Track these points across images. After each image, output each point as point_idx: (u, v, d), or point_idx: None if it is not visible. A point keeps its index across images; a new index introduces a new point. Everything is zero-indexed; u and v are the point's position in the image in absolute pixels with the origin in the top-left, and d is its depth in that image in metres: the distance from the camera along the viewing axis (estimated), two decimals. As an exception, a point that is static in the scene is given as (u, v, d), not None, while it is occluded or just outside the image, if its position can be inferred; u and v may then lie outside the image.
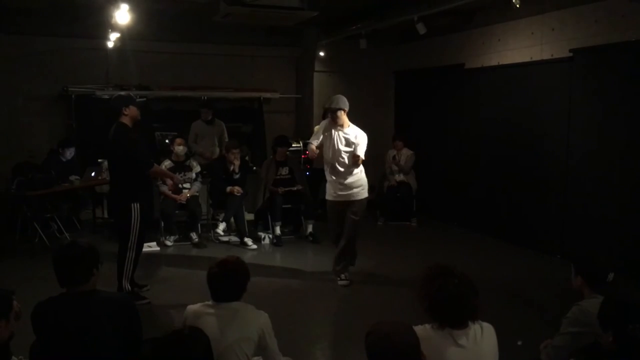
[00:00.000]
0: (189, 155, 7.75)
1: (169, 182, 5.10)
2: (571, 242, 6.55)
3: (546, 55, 6.90)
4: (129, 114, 5.13)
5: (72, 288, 2.70)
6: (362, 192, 5.75)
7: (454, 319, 2.40)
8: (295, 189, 7.75)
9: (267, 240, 7.60)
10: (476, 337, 2.43)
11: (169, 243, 7.37)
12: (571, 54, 6.49)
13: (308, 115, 9.84)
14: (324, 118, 8.91)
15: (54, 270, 2.70)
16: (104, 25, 7.17)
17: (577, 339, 2.89)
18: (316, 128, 8.88)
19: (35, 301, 2.72)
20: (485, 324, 2.50)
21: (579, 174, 6.51)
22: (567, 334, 2.94)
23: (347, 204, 5.71)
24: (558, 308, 3.20)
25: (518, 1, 6.00)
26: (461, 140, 8.48)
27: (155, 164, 5.22)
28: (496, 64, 7.70)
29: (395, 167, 8.76)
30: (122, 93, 5.86)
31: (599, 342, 2.63)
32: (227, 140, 8.46)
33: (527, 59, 7.17)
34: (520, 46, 7.29)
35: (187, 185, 7.52)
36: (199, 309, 2.90)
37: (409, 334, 2.12)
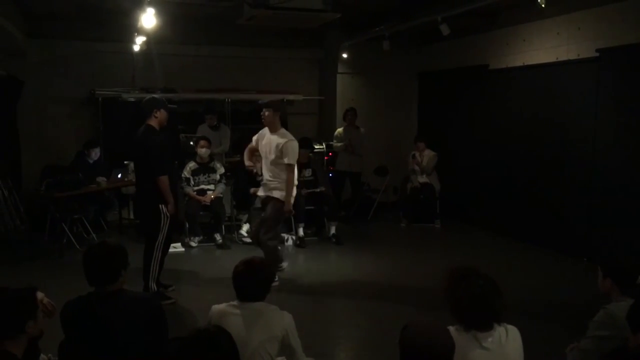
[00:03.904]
0: (213, 157, 7.82)
1: (172, 200, 5.11)
2: (598, 244, 6.45)
3: (572, 55, 6.82)
4: (159, 117, 5.19)
5: (101, 287, 2.75)
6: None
7: (478, 321, 2.39)
8: (318, 190, 7.76)
9: (290, 242, 7.62)
10: (501, 340, 2.41)
11: (193, 244, 7.44)
12: (598, 54, 6.40)
13: (331, 117, 9.85)
14: (344, 119, 8.98)
15: (83, 269, 2.75)
16: (130, 29, 7.28)
17: (604, 342, 2.85)
18: (338, 131, 8.96)
19: (64, 300, 2.77)
20: (510, 327, 2.48)
21: (606, 175, 6.41)
22: (594, 337, 2.90)
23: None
24: (584, 311, 3.16)
25: (543, 1, 5.94)
26: (485, 142, 8.40)
27: (166, 177, 5.11)
28: (521, 64, 7.63)
29: (417, 167, 8.73)
30: (155, 96, 5.92)
31: (626, 346, 2.60)
32: (227, 145, 8.48)
33: (552, 59, 7.09)
34: (545, 46, 7.21)
35: (211, 186, 7.60)
36: (224, 309, 2.92)
37: (447, 336, 2.10)
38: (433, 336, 2.06)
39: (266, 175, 5.71)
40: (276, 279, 5.68)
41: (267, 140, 5.68)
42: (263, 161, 5.77)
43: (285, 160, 5.54)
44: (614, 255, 3.21)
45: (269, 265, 3.06)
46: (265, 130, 5.76)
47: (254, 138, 5.89)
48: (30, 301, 2.49)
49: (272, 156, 5.58)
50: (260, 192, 5.85)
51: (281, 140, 5.57)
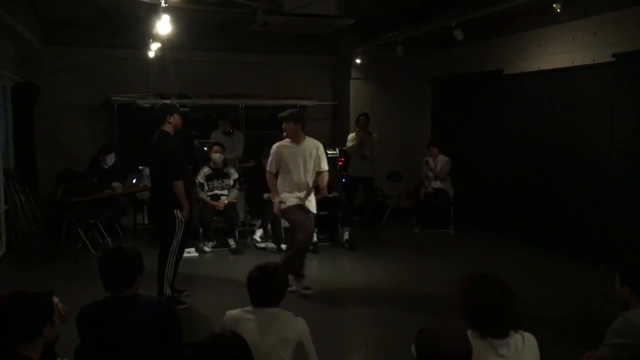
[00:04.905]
0: (227, 162, 7.85)
1: (187, 205, 5.13)
2: (615, 251, 6.37)
3: (588, 60, 6.76)
4: (173, 123, 5.23)
5: (116, 292, 2.77)
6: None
7: (495, 328, 2.37)
8: (331, 195, 7.75)
9: (303, 247, 7.61)
10: (517, 347, 2.38)
11: (207, 249, 7.47)
12: (614, 59, 6.34)
13: (344, 122, 9.85)
14: (357, 125, 8.97)
15: (99, 274, 2.77)
16: (145, 35, 7.34)
17: (621, 350, 2.81)
18: (351, 136, 8.95)
19: (80, 304, 2.79)
20: (527, 334, 2.45)
21: (623, 180, 6.34)
22: (611, 345, 2.86)
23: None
24: (602, 319, 3.12)
25: (558, 6, 5.91)
26: (499, 147, 8.36)
27: (181, 182, 5.14)
28: (536, 69, 7.58)
29: (430, 173, 8.70)
30: (167, 101, 5.98)
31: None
32: (240, 150, 8.51)
33: (568, 64, 7.04)
34: (561, 51, 7.17)
35: (224, 192, 7.63)
36: (239, 314, 2.93)
37: (464, 340, 2.08)
38: (450, 340, 2.04)
39: (297, 189, 5.58)
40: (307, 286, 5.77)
41: (295, 152, 5.59)
42: (293, 174, 5.57)
43: (325, 166, 5.70)
44: (632, 262, 3.16)
45: (283, 271, 3.06)
46: (282, 144, 5.66)
47: (273, 160, 5.63)
48: (47, 305, 2.50)
49: (311, 166, 5.61)
50: (298, 207, 5.63)
51: (318, 148, 5.67)
